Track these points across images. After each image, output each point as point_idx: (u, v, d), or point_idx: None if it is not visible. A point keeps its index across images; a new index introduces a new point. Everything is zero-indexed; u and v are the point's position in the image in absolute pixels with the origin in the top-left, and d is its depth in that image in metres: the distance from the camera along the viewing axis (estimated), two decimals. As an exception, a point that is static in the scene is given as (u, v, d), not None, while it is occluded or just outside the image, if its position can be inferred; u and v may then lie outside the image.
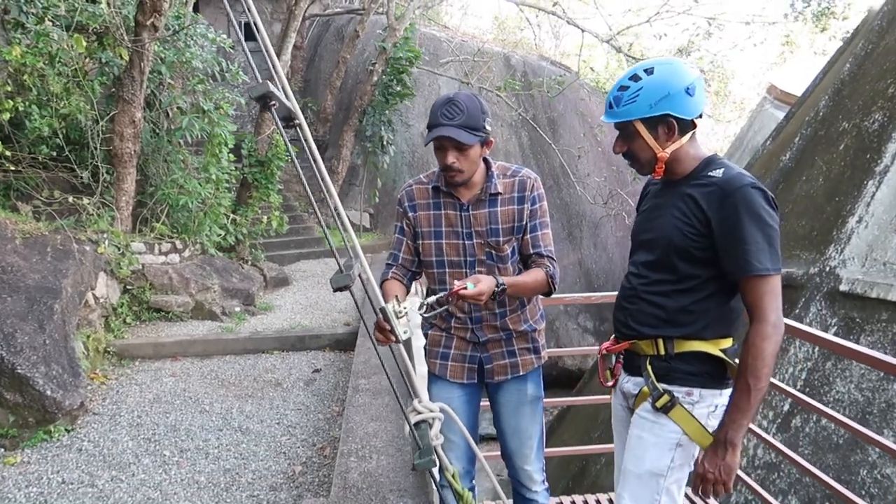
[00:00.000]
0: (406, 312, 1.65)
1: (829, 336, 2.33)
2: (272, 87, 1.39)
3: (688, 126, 1.72)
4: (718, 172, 1.68)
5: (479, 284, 1.83)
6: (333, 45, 15.19)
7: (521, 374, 2.20)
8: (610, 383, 1.98)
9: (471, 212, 2.08)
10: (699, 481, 1.68)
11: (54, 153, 6.31)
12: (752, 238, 1.58)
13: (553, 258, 2.10)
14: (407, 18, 10.68)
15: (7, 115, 5.52)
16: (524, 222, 2.10)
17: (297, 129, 1.89)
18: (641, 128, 1.72)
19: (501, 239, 2.08)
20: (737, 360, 1.69)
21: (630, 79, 1.72)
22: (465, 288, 1.81)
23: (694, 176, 1.74)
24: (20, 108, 5.77)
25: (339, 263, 1.57)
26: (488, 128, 2.02)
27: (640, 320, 1.82)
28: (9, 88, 5.77)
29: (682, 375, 1.75)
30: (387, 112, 11.44)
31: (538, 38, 20.24)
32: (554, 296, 2.78)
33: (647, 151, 1.75)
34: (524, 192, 2.10)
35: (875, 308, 3.89)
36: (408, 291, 2.19)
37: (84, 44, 5.61)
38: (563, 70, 15.99)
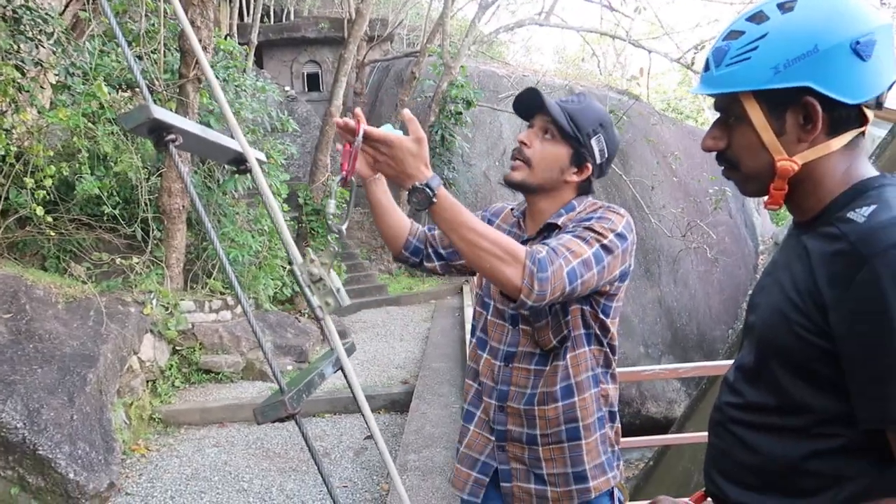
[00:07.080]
0: (320, 275, 0.98)
1: None
2: (157, 112, 0.89)
3: (846, 118, 0.90)
4: (864, 212, 0.85)
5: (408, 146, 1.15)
6: (393, 89, 15.13)
7: None
8: None
9: None
10: None
11: (104, 212, 6.19)
12: None
13: (558, 255, 1.21)
14: (462, 56, 10.36)
15: (49, 182, 5.40)
16: None
17: (251, 175, 1.39)
18: (755, 109, 0.92)
19: None
20: None
21: (749, 19, 0.92)
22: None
23: (826, 214, 0.92)
24: (65, 173, 5.66)
25: (277, 378, 1.03)
26: (594, 146, 1.43)
27: (724, 470, 1.03)
28: (51, 153, 5.65)
29: None
30: (447, 152, 11.14)
31: (604, 66, 19.68)
32: (633, 369, 2.18)
33: (757, 154, 0.94)
34: (580, 215, 1.43)
35: None
36: (421, 256, 1.71)
37: (105, 90, 5.47)
38: (629, 97, 15.33)
